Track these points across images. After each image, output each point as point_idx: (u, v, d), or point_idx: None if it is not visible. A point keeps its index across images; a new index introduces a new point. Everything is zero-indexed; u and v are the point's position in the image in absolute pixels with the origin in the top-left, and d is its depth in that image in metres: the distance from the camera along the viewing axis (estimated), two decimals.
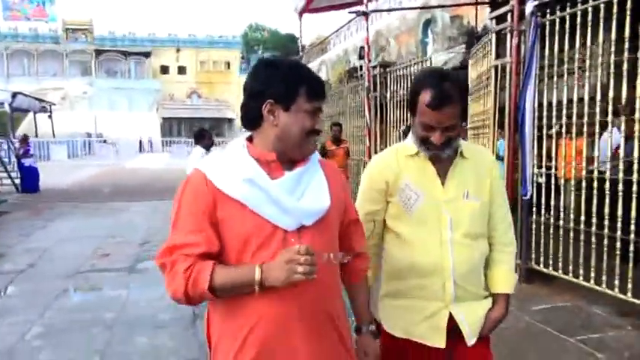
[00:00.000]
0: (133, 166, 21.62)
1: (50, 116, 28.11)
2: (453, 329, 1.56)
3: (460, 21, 15.34)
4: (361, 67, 11.17)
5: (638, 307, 3.52)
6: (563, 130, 4.39)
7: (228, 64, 53.56)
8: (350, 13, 7.96)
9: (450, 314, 1.56)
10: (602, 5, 3.74)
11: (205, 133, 5.72)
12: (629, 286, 3.55)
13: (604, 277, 3.72)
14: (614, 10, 3.60)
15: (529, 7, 4.31)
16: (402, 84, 7.24)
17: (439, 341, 1.55)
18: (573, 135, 4.70)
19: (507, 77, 4.68)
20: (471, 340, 1.56)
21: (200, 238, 1.22)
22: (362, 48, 12.53)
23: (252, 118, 1.31)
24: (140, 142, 35.46)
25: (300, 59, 12.54)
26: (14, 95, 22.92)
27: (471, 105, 5.49)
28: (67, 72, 50.83)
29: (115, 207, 9.98)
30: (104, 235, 7.17)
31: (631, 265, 3.61)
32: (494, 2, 9.38)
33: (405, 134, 5.49)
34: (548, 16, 4.23)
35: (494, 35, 4.84)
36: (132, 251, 6.09)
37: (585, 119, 3.95)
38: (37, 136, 23.87)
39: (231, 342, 1.26)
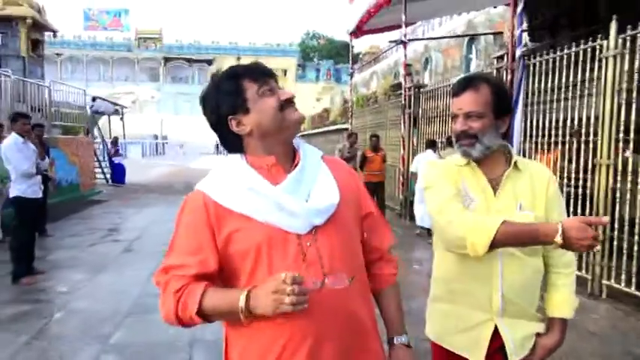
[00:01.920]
0: (198, 166, 23.96)
1: (122, 118, 31.18)
2: (499, 348, 1.49)
3: (502, 39, 16.40)
4: (407, 78, 12.57)
5: None
6: (548, 142, 5.66)
7: (285, 72, 55.81)
8: (390, 42, 9.40)
9: (496, 330, 1.49)
10: (565, 55, 5.06)
11: None
12: None
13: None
14: (580, 58, 4.90)
15: (518, 52, 5.65)
16: (431, 103, 8.62)
17: (477, 356, 1.49)
18: (553, 147, 5.94)
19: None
20: (513, 356, 1.48)
21: (194, 260, 1.18)
22: (408, 65, 13.96)
23: (233, 143, 1.26)
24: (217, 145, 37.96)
25: (352, 71, 14.07)
26: (94, 99, 25.86)
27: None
28: (137, 78, 55.07)
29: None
30: None
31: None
32: (531, 30, 10.59)
33: (450, 143, 6.80)
34: (532, 59, 5.56)
35: (495, 71, 6.18)
36: None
37: (560, 138, 5.23)
38: (110, 136, 26.78)
39: None
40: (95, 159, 14.13)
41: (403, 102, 9.22)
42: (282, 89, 1.27)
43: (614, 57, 4.52)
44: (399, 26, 11.70)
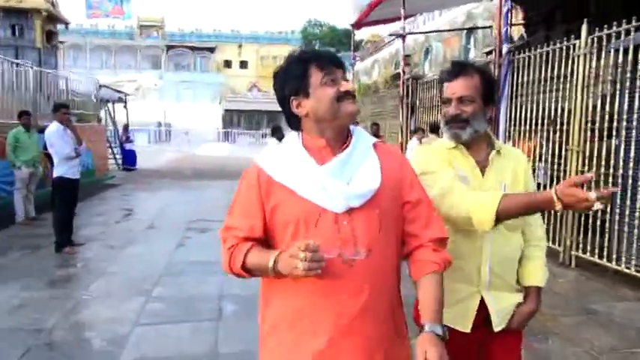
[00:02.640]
0: (202, 153, 24.59)
1: (125, 106, 31.77)
2: (485, 319, 1.60)
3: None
4: (404, 70, 13.16)
5: None
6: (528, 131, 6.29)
7: None
8: (390, 35, 9.97)
9: (482, 302, 1.59)
10: (544, 52, 5.68)
11: (278, 127, 8.02)
12: None
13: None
14: (557, 56, 5.52)
15: (505, 49, 6.27)
16: (427, 93, 9.24)
17: (466, 326, 1.58)
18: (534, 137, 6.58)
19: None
20: (497, 327, 1.60)
21: (245, 224, 1.34)
22: (407, 56, 14.47)
23: (292, 121, 1.38)
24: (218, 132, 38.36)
25: (354, 61, 14.63)
26: (99, 87, 26.50)
27: None
28: (140, 65, 55.29)
29: (198, 185, 12.56)
30: (198, 201, 9.67)
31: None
32: (526, 24, 11.14)
33: (433, 130, 7.48)
34: (516, 55, 6.19)
35: (485, 64, 6.80)
36: (223, 212, 8.52)
37: (539, 127, 5.86)
38: (114, 124, 27.41)
39: (285, 330, 1.31)
40: (108, 145, 14.78)
41: (401, 92, 9.85)
42: (347, 81, 1.34)
43: (585, 55, 5.14)
44: (399, 18, 12.28)
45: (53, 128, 5.56)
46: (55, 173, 5.58)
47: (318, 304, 1.27)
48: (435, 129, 8.03)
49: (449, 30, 16.18)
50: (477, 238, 1.57)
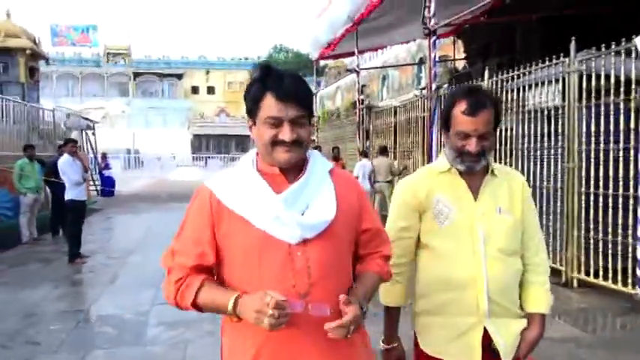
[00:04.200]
0: (174, 178, 25.52)
1: (94, 133, 32.36)
2: (488, 348, 1.53)
3: (446, 59, 18.85)
4: (362, 100, 14.75)
5: None
6: None
7: None
8: (347, 70, 11.50)
9: (485, 331, 1.52)
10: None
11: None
12: None
13: None
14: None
15: (434, 85, 7.81)
16: (379, 120, 10.76)
17: (474, 359, 1.53)
18: None
19: (425, 123, 8.17)
20: (506, 357, 1.54)
21: (194, 251, 1.27)
22: (364, 86, 16.08)
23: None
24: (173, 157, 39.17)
25: (316, 92, 16.13)
26: (68, 115, 27.20)
27: (403, 135, 9.03)
28: (107, 93, 55.58)
29: (177, 206, 13.56)
30: (179, 220, 10.77)
31: None
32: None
33: (381, 152, 8.99)
34: (441, 91, 7.74)
35: (421, 99, 8.33)
36: None
37: None
38: (93, 151, 28.02)
39: (240, 357, 1.28)
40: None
41: (357, 119, 11.34)
42: (298, 125, 1.25)
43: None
44: (351, 54, 13.85)
45: (65, 159, 6.71)
46: (67, 196, 6.69)
47: (276, 347, 1.24)
48: (383, 151, 9.50)
49: (393, 66, 18.02)
50: (471, 267, 1.52)
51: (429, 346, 1.59)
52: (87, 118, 20.70)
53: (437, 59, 8.12)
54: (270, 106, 1.24)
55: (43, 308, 4.76)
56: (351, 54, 14.61)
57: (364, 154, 9.78)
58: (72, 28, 57.50)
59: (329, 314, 1.20)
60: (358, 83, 11.25)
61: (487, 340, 1.53)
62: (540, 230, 1.69)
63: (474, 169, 1.56)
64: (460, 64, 14.80)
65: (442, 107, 1.57)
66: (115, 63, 57.83)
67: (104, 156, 16.83)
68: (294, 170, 1.30)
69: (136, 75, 57.03)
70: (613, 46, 4.65)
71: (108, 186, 16.12)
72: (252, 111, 1.28)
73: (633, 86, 4.48)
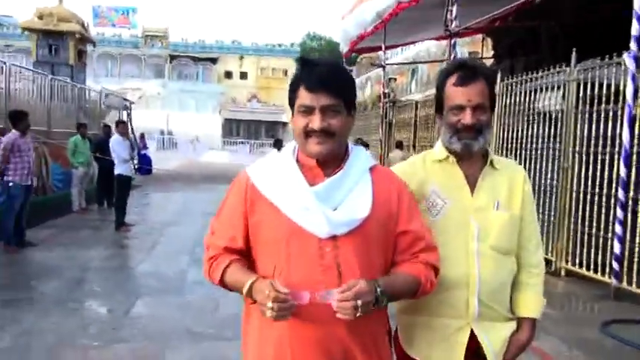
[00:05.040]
0: (206, 160, 26.62)
1: (130, 114, 33.66)
2: (475, 351, 1.46)
3: (475, 56, 19.10)
4: (387, 94, 15.28)
5: None
6: None
7: (285, 72, 57.72)
8: (372, 65, 12.06)
9: (472, 334, 1.46)
10: None
11: (279, 140, 10.05)
12: None
13: None
14: None
15: None
16: (403, 114, 11.32)
17: None
18: None
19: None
20: None
21: (226, 234, 1.33)
22: (392, 79, 16.57)
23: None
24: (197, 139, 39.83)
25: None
26: (106, 95, 28.52)
27: (422, 130, 9.59)
28: (144, 74, 57.23)
29: (208, 187, 14.51)
30: (210, 199, 11.56)
31: None
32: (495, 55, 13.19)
33: (397, 146, 9.63)
34: None
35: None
36: None
37: None
38: (132, 131, 29.34)
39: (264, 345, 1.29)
40: None
41: (381, 112, 11.93)
42: (330, 110, 1.24)
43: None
44: (378, 48, 14.36)
45: (115, 138, 7.60)
46: (116, 171, 7.58)
47: (296, 334, 1.24)
48: (398, 145, 10.09)
49: (418, 62, 18.37)
50: (462, 266, 1.45)
51: (410, 346, 1.52)
52: (125, 99, 21.86)
53: (460, 57, 8.63)
54: (302, 95, 1.26)
55: (97, 264, 5.64)
56: (379, 48, 15.20)
57: (399, 145, 10.33)
58: (113, 9, 59.16)
59: (333, 302, 1.18)
60: (384, 78, 11.81)
61: (474, 344, 1.46)
62: (538, 228, 1.62)
63: (471, 148, 1.47)
64: (489, 63, 15.15)
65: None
66: (153, 45, 59.33)
67: (142, 136, 17.88)
68: (332, 163, 1.30)
69: (172, 58, 58.29)
70: (607, 58, 5.13)
71: (145, 164, 17.18)
72: (291, 102, 1.31)
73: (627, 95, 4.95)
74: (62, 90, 11.35)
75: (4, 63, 8.35)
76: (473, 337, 1.47)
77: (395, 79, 21.32)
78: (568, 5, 8.98)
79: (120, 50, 58.26)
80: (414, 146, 10.67)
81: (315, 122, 1.24)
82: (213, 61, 58.12)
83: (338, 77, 1.28)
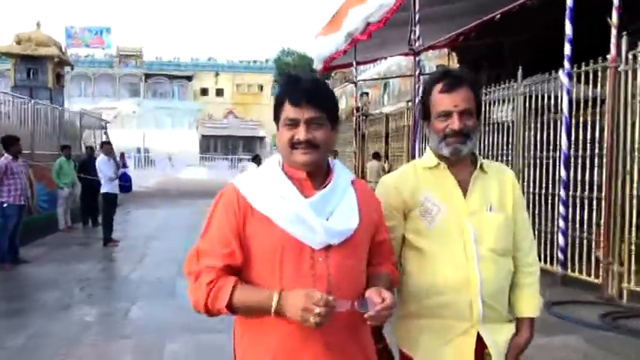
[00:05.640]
0: (185, 176, 26.87)
1: (106, 133, 33.65)
2: (480, 355, 1.49)
3: (446, 68, 20.04)
4: (360, 107, 15.96)
5: None
6: None
7: (261, 87, 58.24)
8: (345, 80, 12.71)
9: (478, 336, 1.48)
10: None
11: (257, 156, 10.55)
12: None
13: None
14: None
15: (417, 99, 9.01)
16: (374, 126, 11.98)
17: None
18: None
19: (410, 130, 9.38)
20: None
21: (223, 251, 1.26)
22: (364, 93, 17.25)
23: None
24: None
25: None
26: (82, 115, 28.68)
27: (393, 141, 10.26)
28: (119, 93, 57.03)
29: (188, 202, 14.89)
30: (192, 213, 12.00)
31: None
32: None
33: (374, 157, 10.29)
34: None
35: (406, 110, 9.54)
36: None
37: None
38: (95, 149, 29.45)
39: None
40: None
41: (354, 125, 12.58)
42: (315, 124, 1.29)
43: None
44: (349, 65, 15.08)
45: (101, 158, 8.00)
46: (103, 190, 7.97)
47: (293, 346, 1.25)
48: (375, 156, 10.71)
49: (387, 78, 19.28)
50: (463, 269, 1.47)
51: (415, 350, 1.53)
52: (100, 118, 21.99)
53: (423, 73, 9.32)
54: (287, 109, 1.30)
55: (92, 275, 6.02)
56: (350, 65, 15.93)
57: (376, 155, 10.96)
58: (86, 30, 58.91)
59: (350, 307, 1.22)
60: (356, 93, 12.49)
61: (480, 348, 1.48)
62: (531, 228, 1.66)
63: (460, 153, 1.50)
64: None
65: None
66: (127, 64, 59.23)
67: (122, 155, 18.11)
68: (318, 176, 1.34)
69: (147, 76, 58.26)
70: (547, 74, 5.83)
71: (126, 182, 17.41)
72: (276, 117, 1.35)
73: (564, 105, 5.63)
74: (43, 113, 11.64)
75: None
76: (478, 339, 1.49)
77: (367, 94, 22.10)
78: (528, 22, 9.79)
79: (94, 70, 57.90)
80: (386, 156, 11.31)
81: (301, 134, 1.29)
82: (189, 78, 58.29)
83: (321, 92, 1.34)
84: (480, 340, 1.49)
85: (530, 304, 1.59)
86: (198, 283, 1.26)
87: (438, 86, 1.51)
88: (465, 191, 1.53)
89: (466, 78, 1.53)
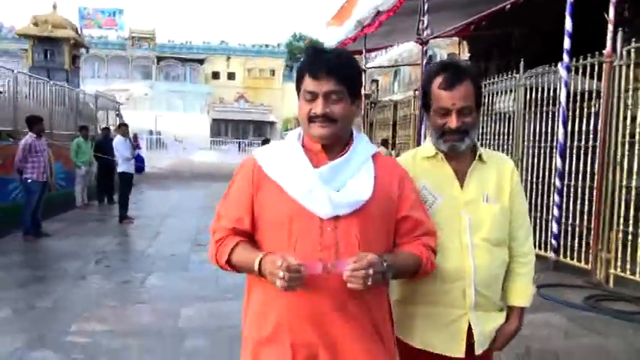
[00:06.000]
0: (196, 159, 27.29)
1: (118, 114, 33.93)
2: (470, 339, 1.52)
3: (454, 57, 20.06)
4: (368, 95, 16.16)
5: None
6: None
7: (272, 72, 58.21)
8: None
9: (469, 325, 1.51)
10: None
11: (268, 140, 10.83)
12: None
13: None
14: None
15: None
16: (382, 114, 12.20)
17: (458, 351, 1.51)
18: None
19: (417, 119, 9.61)
20: (479, 349, 1.53)
21: (233, 215, 1.37)
22: (375, 80, 17.39)
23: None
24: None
25: None
26: (97, 97, 29.01)
27: (400, 129, 10.49)
28: (131, 75, 57.29)
29: (200, 184, 15.28)
30: (203, 195, 12.41)
31: None
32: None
33: (383, 144, 10.56)
34: None
35: (413, 98, 9.75)
36: None
37: None
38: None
39: (258, 336, 1.34)
40: None
41: (362, 112, 12.81)
42: (334, 97, 1.30)
43: None
44: (359, 51, 15.24)
45: (118, 139, 8.35)
46: (119, 169, 8.34)
47: (296, 310, 1.28)
48: (383, 143, 10.96)
49: (396, 66, 19.38)
50: (458, 257, 1.50)
51: (410, 336, 1.56)
52: (114, 100, 22.36)
53: (429, 62, 9.52)
54: (307, 82, 1.32)
55: (109, 249, 6.40)
56: (360, 52, 16.09)
57: (384, 143, 11.21)
58: (99, 11, 59.15)
59: (348, 270, 1.22)
60: (365, 81, 12.70)
61: (471, 335, 1.52)
62: (528, 218, 1.67)
63: (457, 149, 1.53)
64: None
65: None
66: (140, 47, 59.40)
67: (135, 137, 18.52)
68: (336, 148, 1.36)
69: (160, 59, 58.40)
70: (548, 67, 6.03)
71: (139, 163, 17.85)
72: (297, 90, 1.36)
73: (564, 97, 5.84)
74: (61, 94, 12.00)
75: (12, 71, 8.99)
76: (470, 328, 1.53)
77: (377, 81, 22.24)
78: (536, 14, 9.90)
79: (107, 52, 58.13)
80: (393, 144, 11.55)
81: (318, 107, 1.30)
82: (201, 61, 58.38)
83: (342, 65, 1.33)
84: (471, 328, 1.53)
85: (522, 294, 1.62)
86: (212, 239, 1.41)
87: (438, 80, 1.51)
88: (462, 181, 1.56)
89: (467, 72, 1.53)
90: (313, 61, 1.32)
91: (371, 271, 1.21)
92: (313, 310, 1.28)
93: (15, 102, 8.97)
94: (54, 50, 15.87)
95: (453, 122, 1.49)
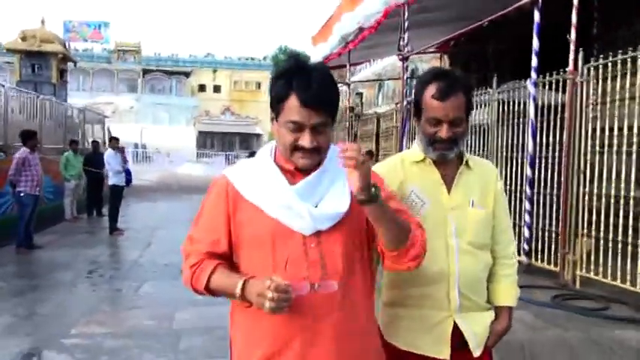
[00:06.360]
0: (183, 172, 27.41)
1: (103, 127, 33.86)
2: (459, 341, 1.55)
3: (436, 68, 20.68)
4: (352, 108, 16.55)
5: None
6: None
7: (259, 84, 58.39)
8: (338, 82, 13.33)
9: (455, 325, 1.55)
10: None
11: (254, 153, 11.14)
12: None
13: None
14: None
15: (405, 101, 9.63)
16: (366, 126, 12.60)
17: (444, 353, 1.53)
18: None
19: (399, 130, 10.00)
20: (476, 351, 1.56)
21: (208, 238, 1.32)
22: (360, 93, 17.83)
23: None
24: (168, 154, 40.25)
25: None
26: (84, 111, 29.03)
27: (383, 141, 10.89)
28: (116, 89, 57.17)
29: (187, 197, 15.44)
30: (191, 207, 12.58)
31: None
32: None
33: (367, 154, 10.97)
34: (411, 105, 9.58)
35: (394, 111, 10.15)
36: None
37: None
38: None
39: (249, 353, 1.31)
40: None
41: (347, 125, 13.20)
42: (317, 129, 1.23)
43: None
44: (352, 64, 15.71)
45: (110, 152, 8.57)
46: (110, 182, 8.57)
47: (283, 332, 1.25)
48: (369, 154, 11.30)
49: (379, 80, 19.98)
50: (442, 261, 1.53)
51: (395, 337, 1.59)
52: (100, 114, 22.43)
53: (414, 76, 9.94)
54: (293, 109, 1.23)
55: (102, 259, 6.62)
56: (344, 66, 16.54)
57: (370, 154, 11.53)
58: (85, 24, 59.00)
59: (337, 288, 1.24)
60: (349, 94, 13.12)
61: (457, 337, 1.54)
62: (510, 223, 1.72)
63: (446, 158, 1.55)
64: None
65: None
66: (125, 60, 59.38)
67: (122, 150, 18.63)
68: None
69: (145, 72, 58.36)
70: (518, 82, 6.45)
71: (127, 176, 17.96)
72: (275, 108, 1.28)
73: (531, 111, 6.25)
74: (49, 108, 12.18)
75: (3, 86, 9.18)
76: (456, 328, 1.55)
77: (361, 94, 22.76)
78: (510, 31, 10.41)
79: (92, 65, 57.84)
80: (377, 155, 11.93)
81: (306, 141, 1.24)
82: (187, 74, 58.46)
83: (331, 92, 1.29)
84: (457, 328, 1.56)
85: (508, 295, 1.66)
86: (186, 263, 1.34)
87: (431, 89, 1.51)
88: (449, 186, 1.58)
89: (460, 82, 1.54)
90: (302, 86, 1.23)
91: (362, 158, 1.15)
92: (304, 336, 1.26)
93: (6, 116, 9.15)
94: (42, 64, 16.03)
95: (444, 132, 1.51)
